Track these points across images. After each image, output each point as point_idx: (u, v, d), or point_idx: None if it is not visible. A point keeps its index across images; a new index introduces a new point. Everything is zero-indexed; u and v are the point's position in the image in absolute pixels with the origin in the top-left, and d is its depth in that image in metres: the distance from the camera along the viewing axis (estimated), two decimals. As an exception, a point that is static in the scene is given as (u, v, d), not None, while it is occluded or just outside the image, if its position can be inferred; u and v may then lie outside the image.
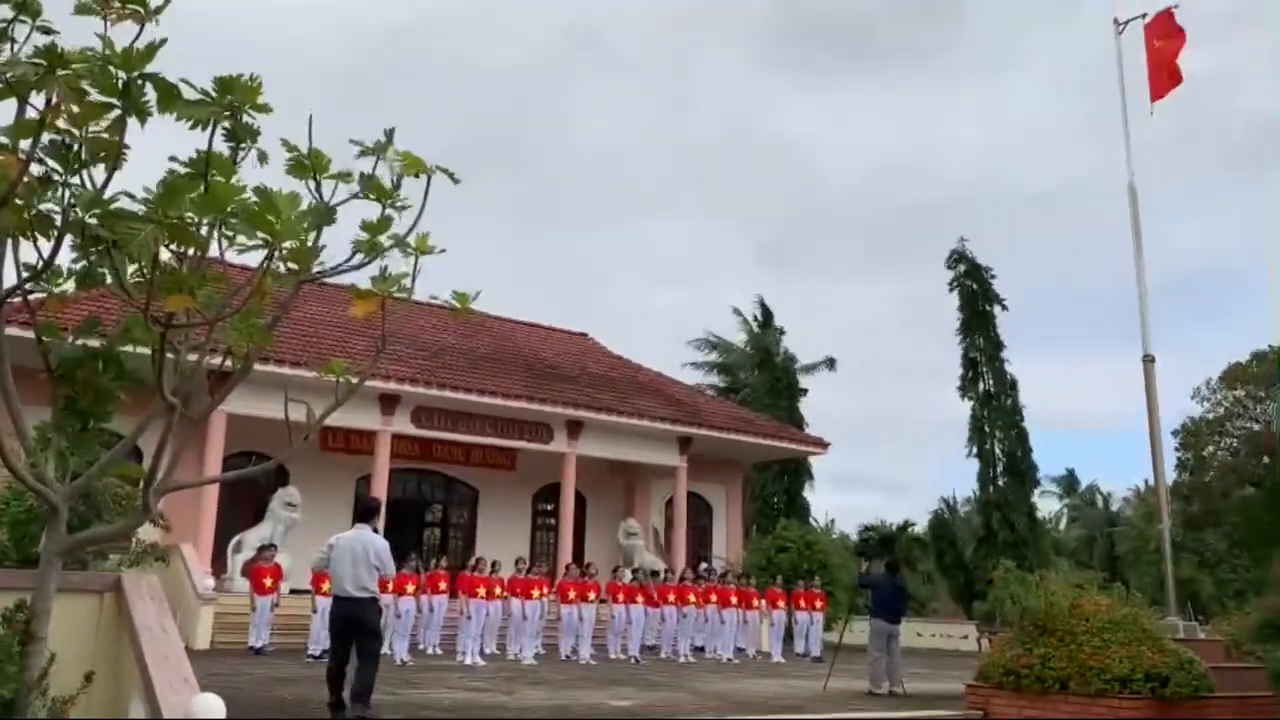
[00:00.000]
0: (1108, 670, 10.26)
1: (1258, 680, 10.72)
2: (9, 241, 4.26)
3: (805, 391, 39.44)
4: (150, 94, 3.75)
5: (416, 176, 3.93)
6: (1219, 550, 33.27)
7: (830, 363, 40.26)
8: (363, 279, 4.54)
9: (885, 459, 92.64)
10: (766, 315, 39.51)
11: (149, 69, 3.64)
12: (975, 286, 35.16)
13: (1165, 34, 14.82)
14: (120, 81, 3.65)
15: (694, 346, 41.54)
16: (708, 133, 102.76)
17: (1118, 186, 15.04)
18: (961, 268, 35.52)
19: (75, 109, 3.66)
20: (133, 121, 3.69)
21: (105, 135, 3.94)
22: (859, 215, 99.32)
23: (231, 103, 3.59)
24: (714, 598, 19.53)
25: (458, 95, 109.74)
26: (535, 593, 17.03)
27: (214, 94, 3.73)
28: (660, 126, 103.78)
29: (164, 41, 3.54)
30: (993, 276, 35.49)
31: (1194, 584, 28.65)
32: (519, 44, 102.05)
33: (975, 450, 34.72)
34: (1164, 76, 14.74)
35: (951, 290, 35.48)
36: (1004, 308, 35.34)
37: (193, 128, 3.73)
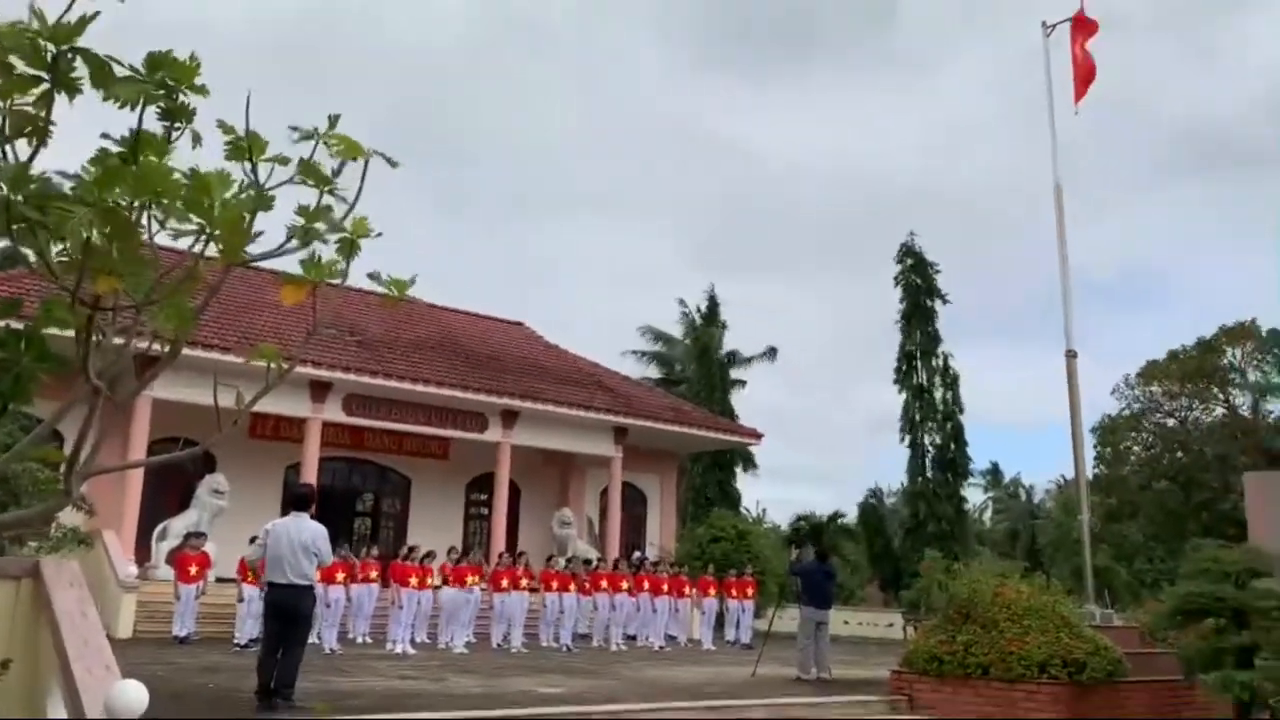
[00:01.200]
0: (1027, 656, 10.57)
1: (1170, 665, 11.11)
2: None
3: (743, 384, 39.80)
4: (82, 69, 3.66)
5: (354, 160, 3.89)
6: (1135, 542, 34.34)
7: (772, 352, 40.64)
8: (295, 264, 4.50)
9: (815, 453, 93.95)
10: (712, 308, 39.72)
11: (80, 44, 3.55)
12: (919, 281, 35.78)
13: (1085, 32, 15.25)
14: (49, 55, 3.56)
15: (639, 333, 41.61)
16: (642, 128, 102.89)
17: (1047, 186, 15.42)
18: (909, 261, 36.11)
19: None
20: (61, 98, 3.60)
21: (30, 110, 3.85)
22: (795, 214, 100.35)
23: (165, 80, 3.53)
24: (646, 586, 19.63)
25: (378, 84, 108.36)
26: (469, 580, 16.96)
27: (143, 72, 3.66)
28: (593, 121, 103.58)
29: (95, 15, 3.46)
30: (937, 271, 36.16)
31: (1110, 574, 29.49)
32: (444, 28, 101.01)
33: (908, 441, 35.35)
34: (1084, 76, 15.17)
35: (897, 284, 36.07)
36: (945, 301, 36.02)
37: (121, 107, 3.65)
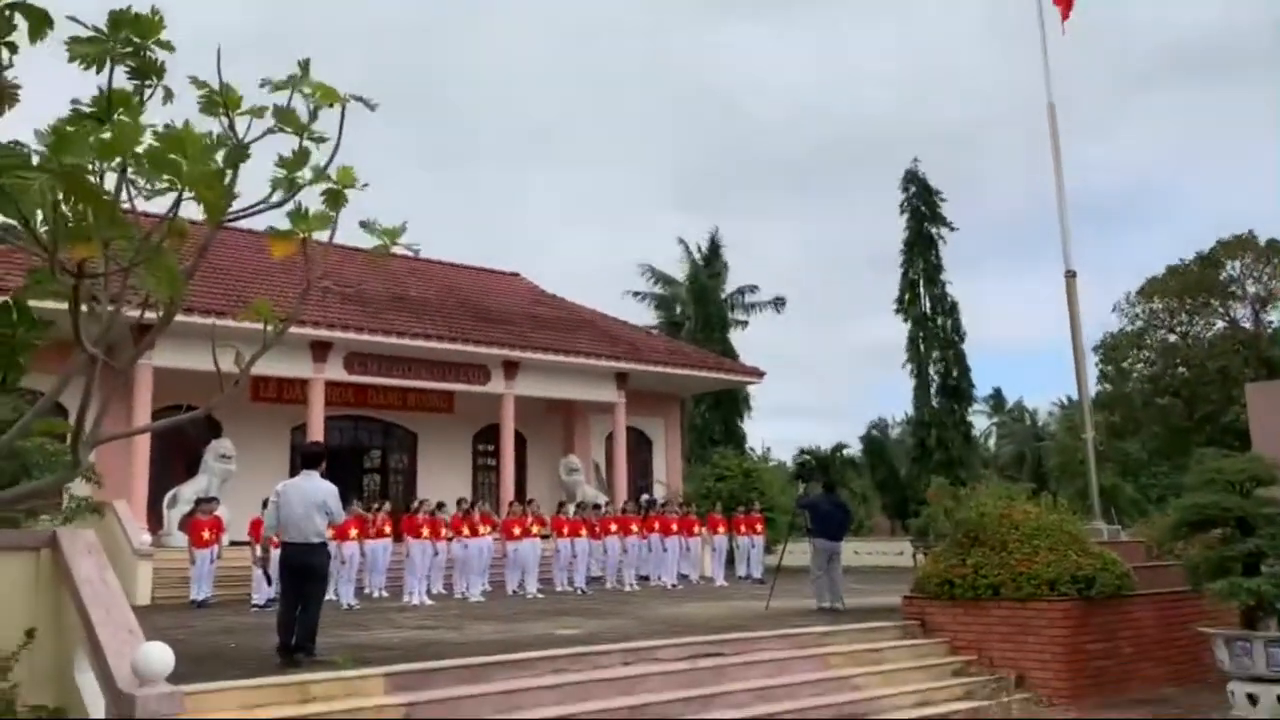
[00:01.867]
0: (1037, 575, 10.69)
1: (1177, 577, 11.24)
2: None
3: (745, 324, 39.81)
4: (23, 25, 3.57)
5: (331, 107, 3.83)
6: (1139, 458, 34.52)
7: (779, 302, 40.64)
8: (282, 220, 4.45)
9: (813, 388, 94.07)
10: (713, 249, 39.55)
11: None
12: (924, 208, 35.59)
13: None
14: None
15: (640, 272, 41.52)
16: (621, 69, 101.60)
17: (1036, 107, 15.27)
18: (912, 189, 35.88)
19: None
20: (37, 63, 3.54)
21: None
22: (776, 149, 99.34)
23: (130, 38, 3.46)
24: (656, 527, 19.81)
25: (351, 29, 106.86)
26: (481, 530, 17.12)
27: (105, 30, 3.58)
28: (570, 62, 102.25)
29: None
30: (943, 199, 35.94)
31: (1116, 491, 29.71)
32: None
33: (912, 370, 35.42)
34: None
35: (903, 212, 35.86)
36: (952, 229, 35.84)
37: (86, 68, 3.58)
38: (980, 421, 56.92)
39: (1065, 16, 14.92)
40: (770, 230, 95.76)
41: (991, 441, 58.83)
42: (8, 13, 3.28)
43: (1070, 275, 14.68)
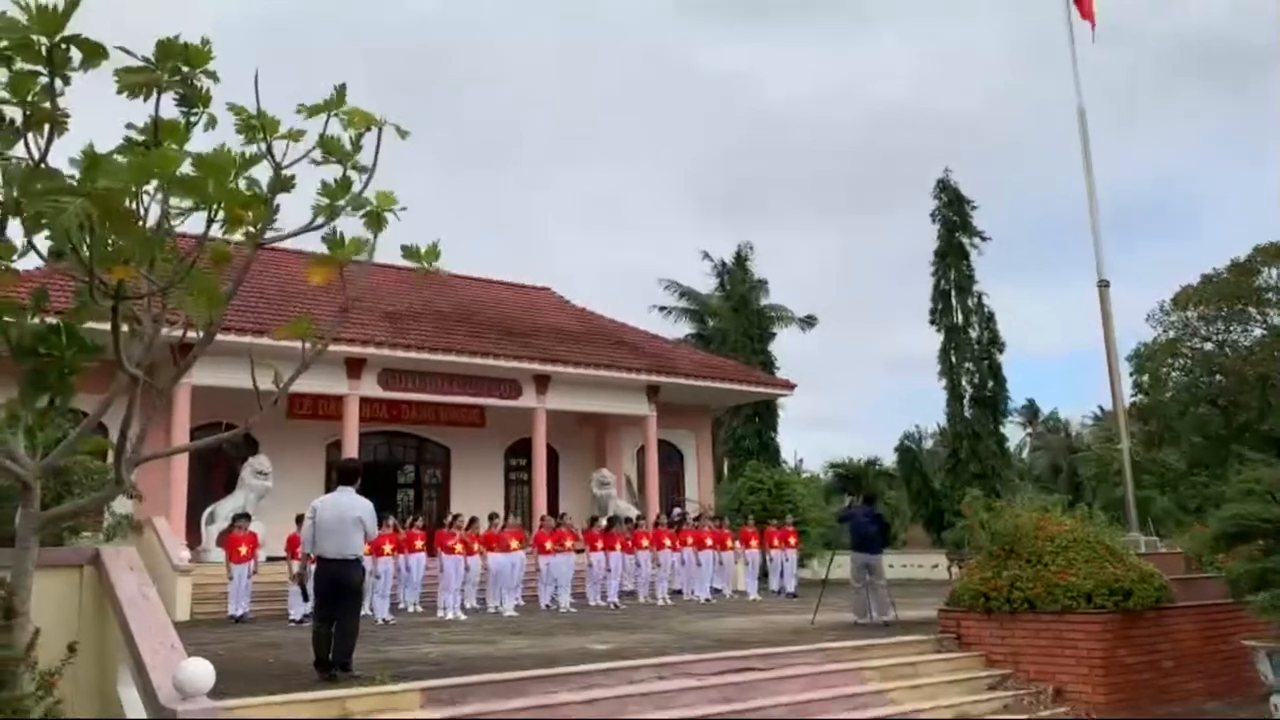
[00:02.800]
0: (1074, 587, 10.58)
1: (1216, 589, 11.10)
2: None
3: (774, 335, 39.73)
4: (78, 59, 3.67)
5: (368, 130, 3.91)
6: (1176, 468, 33.99)
7: (809, 321, 40.55)
8: (318, 241, 4.53)
9: (843, 399, 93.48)
10: (740, 260, 39.52)
11: (72, 30, 3.57)
12: (955, 217, 35.40)
13: None
14: (43, 48, 3.59)
15: (662, 286, 41.53)
16: (637, 76, 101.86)
17: (1058, 111, 15.20)
18: (944, 198, 35.70)
19: (6, 75, 3.60)
20: (89, 89, 3.65)
21: (38, 103, 3.89)
22: (800, 156, 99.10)
23: (178, 67, 3.56)
24: (689, 541, 19.79)
25: (368, 42, 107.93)
26: (513, 544, 17.18)
27: (153, 60, 3.67)
28: (584, 70, 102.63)
29: (77, 1, 3.47)
30: (974, 208, 35.73)
31: (1153, 502, 29.31)
32: None
33: (946, 381, 35.17)
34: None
35: (934, 221, 35.69)
36: (984, 239, 35.61)
37: (133, 97, 3.67)
38: (1014, 433, 56.47)
39: (1093, 24, 14.85)
40: (792, 238, 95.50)
41: (1025, 453, 58.25)
42: (64, 45, 3.39)
43: (1103, 284, 14.57)
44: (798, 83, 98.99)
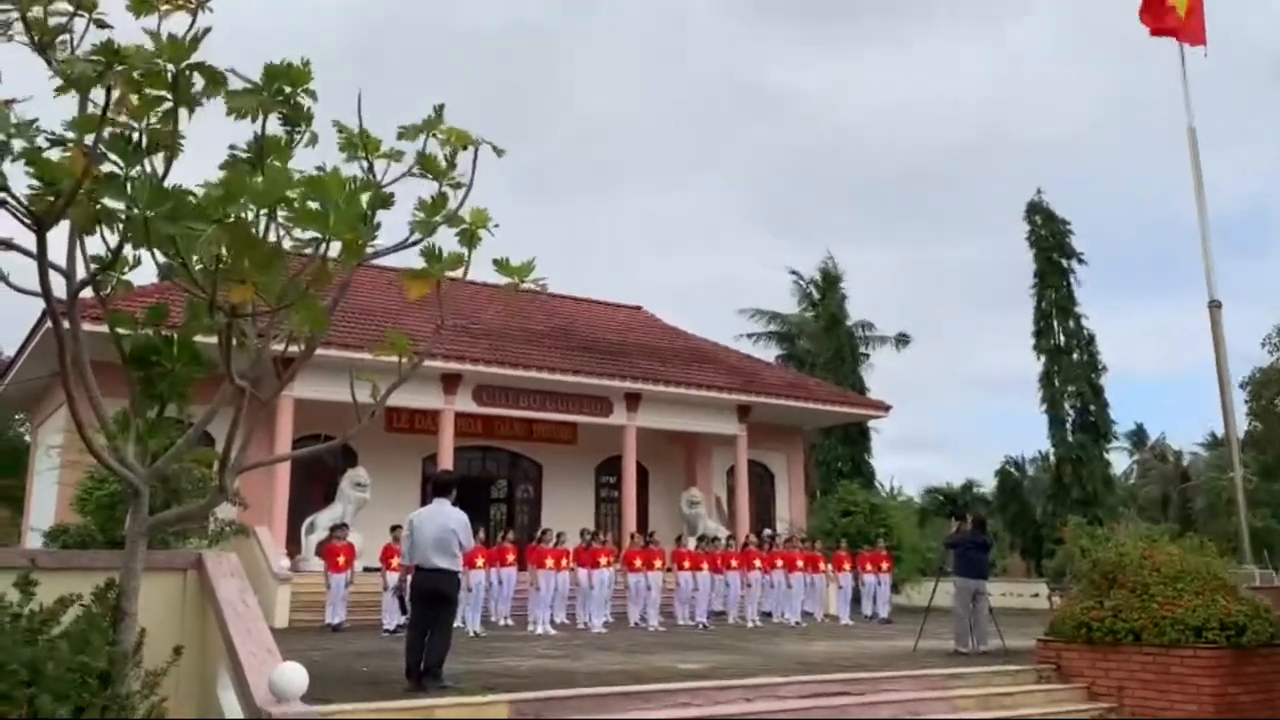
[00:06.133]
0: (1181, 620, 10.15)
1: (1339, 627, 10.51)
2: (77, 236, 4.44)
3: (867, 357, 39.23)
4: (200, 83, 3.84)
5: (465, 148, 3.99)
6: (1294, 499, 32.34)
7: (902, 339, 39.99)
8: (416, 257, 4.63)
9: (936, 421, 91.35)
10: (829, 279, 39.16)
11: (196, 58, 3.74)
12: (1050, 238, 34.64)
13: None
14: (169, 74, 3.76)
15: (746, 316, 41.37)
16: (708, 95, 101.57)
17: (1153, 123, 14.72)
18: (1037, 219, 34.99)
19: (135, 100, 3.79)
20: (200, 109, 3.81)
21: (159, 127, 4.08)
22: (873, 172, 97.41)
23: (281, 89, 3.69)
24: (779, 563, 19.58)
25: (444, 65, 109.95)
26: (602, 562, 17.24)
27: (260, 83, 3.83)
28: (654, 86, 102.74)
29: (207, 31, 3.64)
30: (1069, 230, 34.91)
31: (1269, 534, 27.94)
32: (509, 8, 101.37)
33: (1047, 405, 34.27)
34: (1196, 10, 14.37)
35: (1031, 246, 35.01)
36: (1081, 261, 34.77)
37: (240, 119, 3.82)
38: (1121, 460, 54.50)
39: (1201, 39, 14.35)
40: (866, 257, 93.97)
41: (1133, 480, 56.14)
42: (188, 72, 3.55)
43: (1215, 305, 14.02)
44: (870, 99, 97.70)
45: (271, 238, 4.21)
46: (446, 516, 8.86)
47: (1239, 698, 9.90)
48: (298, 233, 4.11)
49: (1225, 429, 14.86)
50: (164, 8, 3.62)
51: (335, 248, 4.27)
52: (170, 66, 3.72)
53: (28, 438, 30.61)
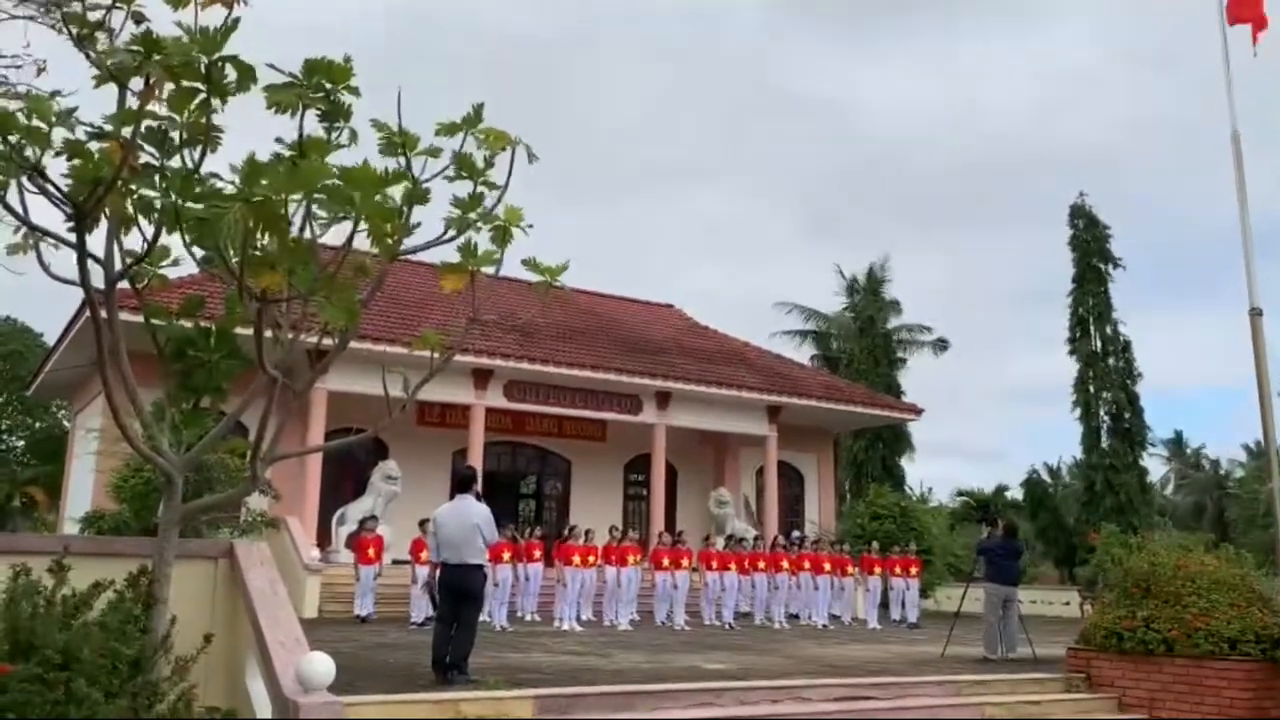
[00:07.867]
0: (1216, 632, 9.99)
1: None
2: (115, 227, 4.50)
3: (904, 361, 38.97)
4: (232, 76, 3.88)
5: (503, 149, 4.01)
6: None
7: (941, 344, 39.71)
8: (450, 253, 4.67)
9: (968, 426, 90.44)
10: (873, 280, 38.94)
11: (228, 50, 3.77)
12: (1091, 243, 34.31)
13: None
14: (202, 65, 3.80)
15: (785, 311, 41.20)
16: (739, 99, 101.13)
17: (1190, 127, 14.48)
18: (1080, 223, 34.66)
19: (171, 90, 3.83)
20: (239, 103, 3.86)
21: (198, 119, 4.13)
22: (917, 178, 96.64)
23: (321, 84, 3.72)
24: (807, 564, 19.50)
25: (476, 68, 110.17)
26: (630, 560, 17.24)
27: (300, 77, 3.87)
28: (689, 89, 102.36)
29: (236, 22, 3.67)
30: (1110, 234, 34.56)
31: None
32: (542, 13, 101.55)
33: (1081, 411, 33.91)
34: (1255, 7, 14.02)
35: (1073, 249, 34.70)
36: (1119, 266, 34.39)
37: (280, 113, 3.86)
38: (1157, 468, 53.76)
39: (1256, 36, 14.04)
40: (911, 260, 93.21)
41: (1170, 489, 55.38)
42: (221, 64, 3.60)
43: (1256, 313, 13.76)
44: (908, 104, 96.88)
45: (306, 234, 4.25)
46: (469, 512, 8.90)
47: (1273, 712, 9.74)
48: (322, 215, 4.14)
49: (1264, 439, 14.59)
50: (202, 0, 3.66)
51: (368, 243, 4.30)
52: (203, 57, 3.77)
53: (67, 423, 31.13)
